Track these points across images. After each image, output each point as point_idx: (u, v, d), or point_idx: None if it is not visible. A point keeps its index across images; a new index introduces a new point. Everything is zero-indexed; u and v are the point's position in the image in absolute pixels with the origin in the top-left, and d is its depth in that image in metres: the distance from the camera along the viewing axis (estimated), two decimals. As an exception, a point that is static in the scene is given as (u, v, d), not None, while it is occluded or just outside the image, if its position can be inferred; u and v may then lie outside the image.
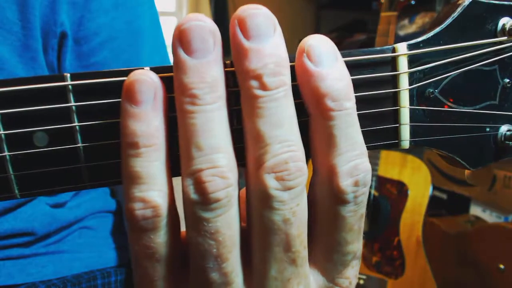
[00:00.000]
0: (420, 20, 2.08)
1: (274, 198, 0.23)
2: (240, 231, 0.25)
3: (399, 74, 0.28)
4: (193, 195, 0.23)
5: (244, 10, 0.23)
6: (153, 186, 0.24)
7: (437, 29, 0.28)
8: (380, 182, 1.54)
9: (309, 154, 0.26)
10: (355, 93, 0.28)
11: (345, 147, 0.24)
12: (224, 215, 0.24)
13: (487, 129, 0.31)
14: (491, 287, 1.50)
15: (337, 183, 0.25)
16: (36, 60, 0.49)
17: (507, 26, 0.29)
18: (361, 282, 1.49)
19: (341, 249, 0.26)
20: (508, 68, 0.30)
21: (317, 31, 2.99)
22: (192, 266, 0.25)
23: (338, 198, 0.25)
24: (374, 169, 1.54)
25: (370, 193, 1.53)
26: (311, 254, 0.27)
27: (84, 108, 0.25)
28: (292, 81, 0.24)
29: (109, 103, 0.25)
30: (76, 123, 0.25)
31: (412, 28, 2.09)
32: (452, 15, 0.28)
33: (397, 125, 0.28)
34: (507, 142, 0.31)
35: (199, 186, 0.23)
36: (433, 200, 1.60)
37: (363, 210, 0.26)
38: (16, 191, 0.25)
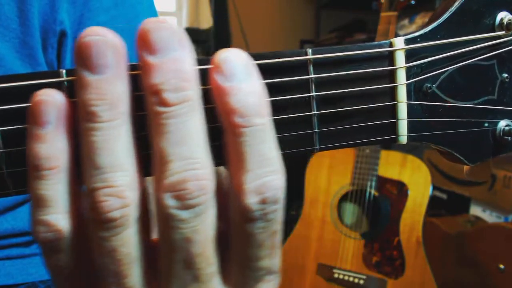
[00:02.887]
0: (420, 20, 2.08)
1: (173, 217, 0.23)
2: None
3: (396, 68, 0.28)
4: (90, 214, 0.23)
5: (146, 24, 0.22)
6: (56, 209, 0.23)
7: (435, 24, 0.28)
8: (380, 182, 1.54)
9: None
10: (352, 88, 0.28)
11: (253, 163, 0.24)
12: (120, 234, 0.23)
13: (486, 124, 0.31)
14: (491, 287, 1.50)
15: (242, 200, 0.24)
16: (34, 57, 0.49)
17: (505, 21, 0.29)
18: (361, 282, 1.49)
19: (252, 265, 0.26)
20: (506, 62, 0.30)
21: (317, 31, 2.99)
22: (98, 279, 0.25)
23: (245, 216, 0.24)
24: (374, 169, 1.53)
25: (370, 193, 1.53)
26: (225, 269, 0.27)
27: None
28: None
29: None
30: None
31: (412, 28, 2.10)
32: (450, 9, 0.28)
33: (395, 120, 0.28)
34: (505, 137, 0.31)
35: (95, 205, 0.23)
36: (433, 200, 1.60)
37: (275, 226, 0.25)
38: None
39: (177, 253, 0.24)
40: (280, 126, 0.27)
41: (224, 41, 2.95)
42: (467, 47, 0.29)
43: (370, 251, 1.51)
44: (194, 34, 2.76)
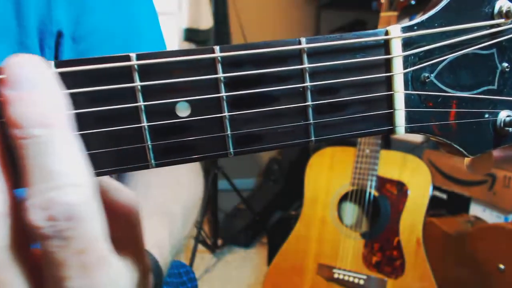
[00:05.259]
0: (420, 19, 2.08)
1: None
2: None
3: (392, 57, 0.27)
4: None
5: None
6: None
7: (432, 11, 0.27)
8: (380, 182, 1.53)
9: None
10: (347, 77, 0.27)
11: (35, 178, 0.22)
12: None
13: (486, 115, 0.30)
14: (491, 287, 1.49)
15: (27, 217, 0.22)
16: None
17: (504, 8, 0.28)
18: (361, 282, 1.48)
19: (61, 285, 0.24)
20: (506, 51, 0.29)
21: (317, 31, 2.99)
22: None
23: (35, 233, 0.23)
24: (374, 169, 1.53)
25: (370, 193, 1.53)
26: None
27: None
28: None
29: None
30: None
31: (412, 28, 2.09)
32: (448, -3, 0.27)
33: (392, 110, 0.28)
34: (506, 128, 0.30)
35: None
36: (433, 200, 1.59)
37: (81, 244, 0.23)
38: None
39: None
40: (274, 118, 0.26)
41: (224, 41, 2.95)
42: (466, 36, 0.28)
43: (370, 251, 1.51)
44: (194, 34, 2.76)
